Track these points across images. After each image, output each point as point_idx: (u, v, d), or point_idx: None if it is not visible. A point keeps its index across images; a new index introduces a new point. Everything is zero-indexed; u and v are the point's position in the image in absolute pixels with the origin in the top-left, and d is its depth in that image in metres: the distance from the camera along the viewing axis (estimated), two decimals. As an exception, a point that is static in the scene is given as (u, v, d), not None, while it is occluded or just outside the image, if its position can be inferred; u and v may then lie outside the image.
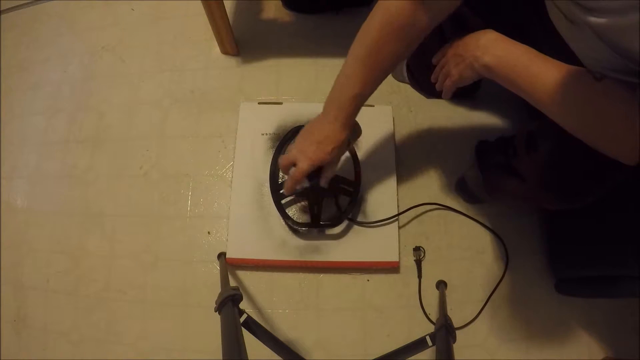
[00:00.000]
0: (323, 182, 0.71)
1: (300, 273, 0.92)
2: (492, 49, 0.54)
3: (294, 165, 0.68)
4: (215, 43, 1.08)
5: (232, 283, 0.88)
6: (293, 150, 0.68)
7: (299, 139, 0.69)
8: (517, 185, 0.67)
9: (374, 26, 0.58)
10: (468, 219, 0.95)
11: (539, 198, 0.66)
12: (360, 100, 0.63)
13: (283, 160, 0.70)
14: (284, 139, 0.94)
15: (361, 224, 0.90)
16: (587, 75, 0.45)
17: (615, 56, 0.38)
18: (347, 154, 0.94)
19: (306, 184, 0.70)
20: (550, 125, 0.52)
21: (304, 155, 0.66)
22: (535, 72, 0.50)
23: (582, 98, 0.46)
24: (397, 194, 0.93)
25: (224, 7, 0.94)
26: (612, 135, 0.45)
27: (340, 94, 0.62)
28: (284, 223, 0.90)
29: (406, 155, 0.99)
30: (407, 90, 1.06)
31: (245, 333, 0.60)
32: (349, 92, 0.61)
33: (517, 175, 0.67)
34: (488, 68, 0.55)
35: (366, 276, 0.92)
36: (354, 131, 0.74)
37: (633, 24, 0.32)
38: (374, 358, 0.62)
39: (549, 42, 0.51)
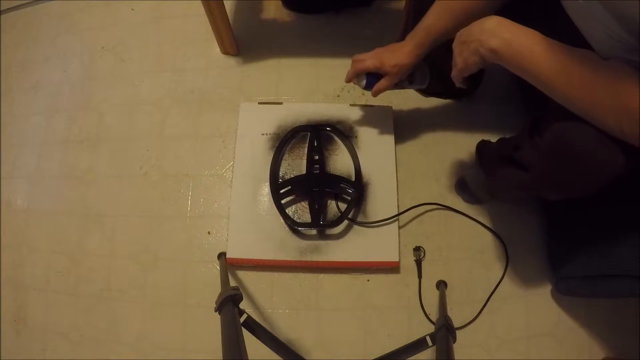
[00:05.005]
0: (375, 90, 0.81)
1: (300, 273, 0.92)
2: (498, 32, 0.54)
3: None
4: (215, 43, 1.08)
5: (232, 283, 0.88)
6: (368, 53, 0.80)
7: (376, 49, 0.80)
8: (519, 175, 0.67)
9: None
10: (468, 219, 0.95)
11: (541, 186, 0.65)
12: (429, 33, 0.71)
13: (355, 56, 0.82)
14: (284, 139, 0.94)
15: (361, 224, 0.90)
16: (594, 55, 0.45)
17: (625, 31, 0.38)
18: (346, 153, 0.94)
19: (363, 81, 0.81)
20: (555, 109, 0.52)
21: (372, 56, 0.79)
22: (543, 53, 0.50)
23: (590, 76, 0.47)
24: (397, 194, 0.93)
25: (224, 7, 0.94)
26: (620, 113, 0.45)
27: (418, 24, 0.73)
28: (284, 223, 0.90)
29: (406, 155, 0.99)
30: (407, 90, 1.05)
31: (245, 333, 0.60)
32: (423, 23, 0.72)
33: (520, 165, 0.67)
34: (494, 52, 0.54)
35: (366, 276, 0.92)
36: (420, 76, 0.84)
37: None
38: (374, 358, 0.62)
39: (552, 28, 0.51)
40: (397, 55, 0.76)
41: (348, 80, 0.83)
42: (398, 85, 0.82)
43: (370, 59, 0.78)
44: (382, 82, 0.79)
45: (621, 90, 0.44)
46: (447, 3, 0.68)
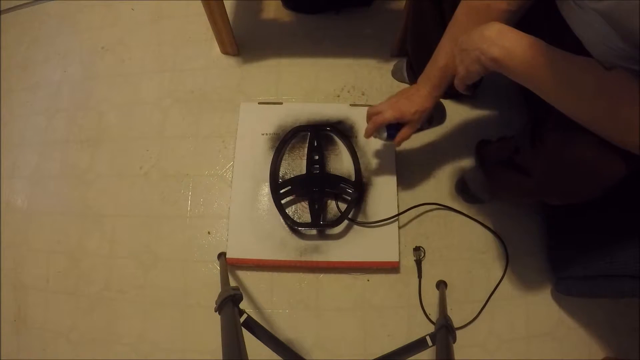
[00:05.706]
0: (399, 141, 0.77)
1: (300, 273, 0.92)
2: (499, 41, 0.52)
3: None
4: (215, 43, 1.08)
5: (232, 283, 0.88)
6: (383, 104, 0.76)
7: (390, 98, 0.76)
8: (522, 180, 0.66)
9: (460, 7, 0.64)
10: (468, 219, 0.95)
11: (544, 192, 0.65)
12: (445, 73, 0.68)
13: (370, 109, 0.78)
14: (284, 139, 0.94)
15: (361, 224, 0.90)
16: (597, 65, 0.45)
17: (623, 41, 0.38)
18: (346, 153, 0.94)
19: (384, 134, 0.78)
20: (556, 115, 0.52)
21: (390, 107, 0.74)
22: (545, 62, 0.49)
23: (593, 87, 0.46)
24: (397, 194, 0.93)
25: (224, 7, 0.94)
26: (622, 123, 0.45)
27: (430, 65, 0.71)
28: (284, 223, 0.90)
29: (406, 156, 0.99)
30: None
31: (245, 333, 0.60)
32: (436, 64, 0.69)
33: (521, 170, 0.66)
34: (495, 61, 0.53)
35: (366, 276, 0.92)
36: (438, 115, 0.80)
37: (635, 6, 0.32)
38: (374, 358, 0.62)
39: (554, 34, 0.51)
40: (415, 100, 0.73)
41: (368, 136, 0.79)
42: (418, 129, 0.78)
43: (388, 111, 0.74)
44: (406, 132, 0.76)
45: (623, 102, 0.44)
46: (454, 43, 0.65)
